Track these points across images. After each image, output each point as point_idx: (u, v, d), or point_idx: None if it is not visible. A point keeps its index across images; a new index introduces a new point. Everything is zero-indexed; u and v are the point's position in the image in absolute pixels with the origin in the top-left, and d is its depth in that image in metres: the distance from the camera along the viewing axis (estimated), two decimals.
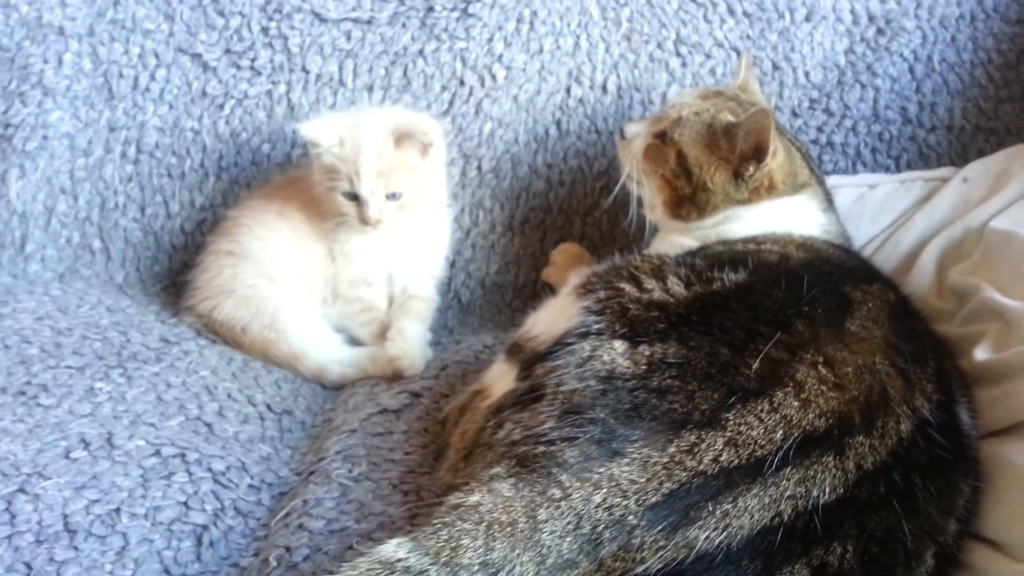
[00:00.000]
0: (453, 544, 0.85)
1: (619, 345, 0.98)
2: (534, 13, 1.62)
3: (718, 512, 0.86)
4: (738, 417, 0.89)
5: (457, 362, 1.44)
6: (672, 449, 0.88)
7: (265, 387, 1.36)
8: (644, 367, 0.94)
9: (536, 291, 1.69)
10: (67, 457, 1.08)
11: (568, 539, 0.87)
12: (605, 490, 0.87)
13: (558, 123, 1.65)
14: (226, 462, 1.14)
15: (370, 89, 1.62)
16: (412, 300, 1.49)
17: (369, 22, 1.62)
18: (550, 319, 1.13)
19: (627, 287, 1.07)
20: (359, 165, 1.36)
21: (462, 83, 1.63)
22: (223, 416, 1.24)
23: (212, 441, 1.17)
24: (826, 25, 1.64)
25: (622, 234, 1.66)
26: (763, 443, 0.88)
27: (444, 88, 1.62)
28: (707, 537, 0.86)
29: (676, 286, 1.06)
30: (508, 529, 0.87)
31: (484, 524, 0.86)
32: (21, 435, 1.10)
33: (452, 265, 1.64)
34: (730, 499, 0.87)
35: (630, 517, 0.86)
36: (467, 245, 1.66)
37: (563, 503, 0.88)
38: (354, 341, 1.51)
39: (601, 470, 0.88)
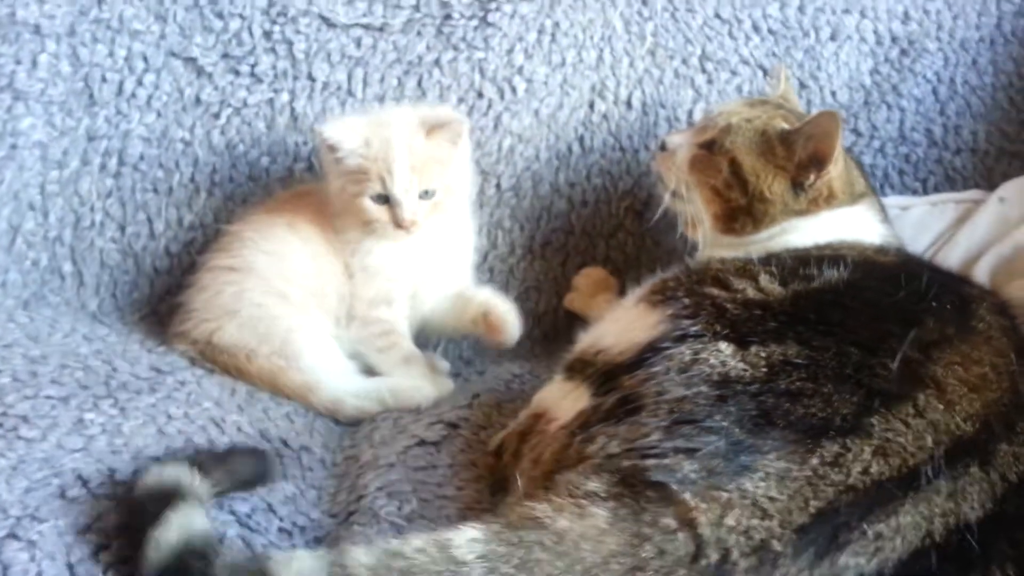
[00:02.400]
0: (524, 574, 0.74)
1: (725, 347, 0.87)
2: (556, 24, 1.54)
3: (870, 533, 0.75)
4: (883, 422, 0.79)
5: (489, 391, 1.30)
6: (814, 460, 0.77)
7: (277, 421, 1.19)
8: (764, 369, 0.83)
9: (557, 320, 1.57)
10: (63, 497, 0.90)
11: (680, 573, 0.74)
12: (739, 510, 0.75)
13: (581, 140, 1.55)
14: (249, 503, 0.97)
15: (381, 99, 1.50)
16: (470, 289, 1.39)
17: (381, 29, 1.51)
18: (621, 330, 1.01)
19: (714, 290, 0.96)
20: (391, 162, 1.24)
21: (480, 95, 1.52)
22: None
23: None
24: (851, 45, 1.61)
25: (648, 258, 1.56)
26: (913, 451, 0.78)
27: (461, 100, 1.52)
28: (858, 564, 0.74)
29: (770, 284, 0.96)
30: (595, 571, 0.74)
31: (567, 559, 0.74)
32: (3, 471, 0.92)
33: None
34: (883, 517, 0.76)
35: (774, 543, 0.74)
36: (484, 269, 1.53)
37: (680, 533, 0.75)
38: (368, 371, 1.35)
39: (731, 487, 0.76)
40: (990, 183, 1.60)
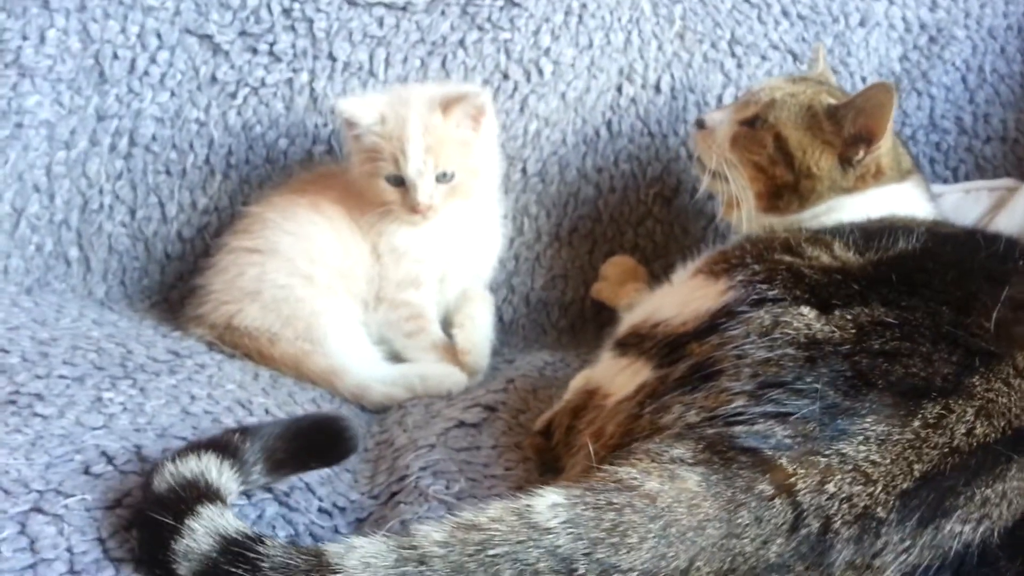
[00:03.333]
0: (616, 538, 0.68)
1: (807, 311, 0.82)
2: (583, 5, 1.50)
3: (977, 498, 0.70)
4: (984, 382, 0.73)
5: (523, 376, 1.24)
6: (916, 423, 0.71)
7: (304, 404, 1.13)
8: (853, 331, 0.78)
9: (584, 309, 1.51)
10: (87, 472, 0.83)
11: (778, 543, 0.68)
12: (839, 476, 0.69)
13: (608, 124, 1.51)
14: (288, 482, 0.90)
15: (404, 80, 1.45)
16: (472, 289, 1.31)
17: (404, 8, 1.46)
18: (681, 301, 0.96)
19: (786, 257, 0.91)
20: (404, 141, 1.18)
21: (506, 77, 1.48)
22: None
23: None
24: (880, 31, 1.58)
25: (676, 246, 1.51)
26: (1018, 412, 0.73)
27: (486, 82, 1.47)
28: (961, 532, 0.69)
29: (845, 252, 0.91)
30: (691, 535, 0.69)
31: (661, 522, 0.69)
32: (21, 447, 0.85)
33: (494, 279, 1.45)
34: (990, 482, 0.70)
35: (878, 509, 0.68)
36: (510, 256, 1.48)
37: (777, 500, 0.70)
38: (393, 357, 1.29)
39: (829, 452, 0.71)
40: (1021, 171, 1.57)
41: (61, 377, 1.02)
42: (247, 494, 0.85)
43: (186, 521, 0.72)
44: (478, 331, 1.24)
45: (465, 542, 0.68)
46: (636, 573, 0.67)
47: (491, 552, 0.67)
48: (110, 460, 0.85)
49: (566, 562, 0.66)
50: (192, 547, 0.71)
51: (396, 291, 1.25)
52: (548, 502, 0.69)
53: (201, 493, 0.75)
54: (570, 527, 0.68)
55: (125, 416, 0.95)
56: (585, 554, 0.67)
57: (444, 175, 1.21)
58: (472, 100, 1.21)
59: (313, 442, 0.87)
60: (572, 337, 1.50)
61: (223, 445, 0.82)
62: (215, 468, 0.78)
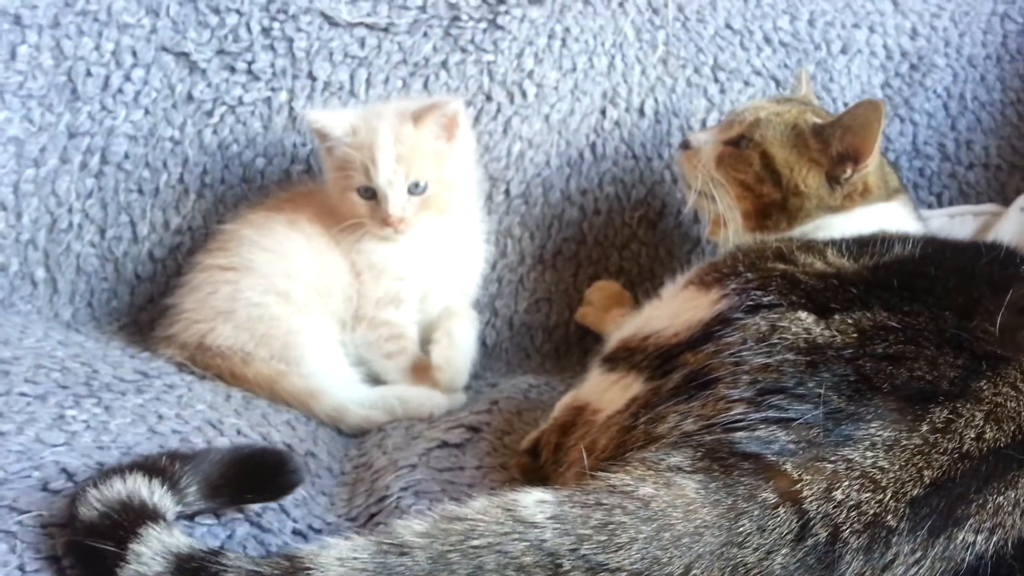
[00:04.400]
0: (604, 536, 0.65)
1: (805, 316, 0.79)
2: (567, 30, 1.50)
3: (989, 506, 0.66)
4: (992, 386, 0.71)
5: (507, 398, 1.20)
6: (924, 428, 0.68)
7: (278, 426, 1.08)
8: (854, 335, 0.75)
9: (568, 333, 1.48)
10: (45, 489, 0.77)
11: (783, 553, 0.65)
12: (847, 483, 0.66)
13: (592, 146, 1.49)
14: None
15: (386, 101, 1.42)
16: (456, 305, 1.26)
17: (386, 29, 1.44)
18: (672, 312, 0.93)
19: (779, 264, 0.89)
20: (375, 150, 1.16)
21: (489, 98, 1.46)
22: None
23: None
24: (861, 59, 1.59)
25: (662, 269, 1.49)
26: None
27: (469, 103, 1.45)
28: (974, 543, 0.66)
29: (839, 259, 0.89)
30: (686, 541, 0.65)
31: (654, 525, 0.66)
32: None
33: (477, 301, 1.41)
34: (1002, 488, 0.67)
35: (888, 518, 0.65)
36: (493, 279, 1.45)
37: (782, 509, 0.66)
38: (372, 379, 1.24)
39: (834, 458, 0.67)
40: (1004, 197, 1.57)
41: (22, 395, 0.97)
42: (216, 514, 0.80)
43: (130, 546, 0.67)
44: (455, 348, 1.20)
45: (448, 532, 0.65)
46: (625, 573, 0.64)
47: (474, 543, 0.64)
48: (70, 477, 0.80)
49: (551, 557, 0.63)
50: (141, 572, 0.66)
51: (376, 310, 1.21)
52: (535, 498, 0.67)
53: (138, 514, 0.69)
54: (556, 523, 0.65)
55: (88, 434, 0.90)
56: (571, 550, 0.64)
57: (416, 186, 1.18)
58: (443, 109, 1.19)
59: (253, 473, 0.82)
60: (556, 361, 1.46)
61: (149, 466, 0.76)
62: (145, 488, 0.73)
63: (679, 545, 0.65)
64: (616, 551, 0.64)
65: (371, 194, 1.18)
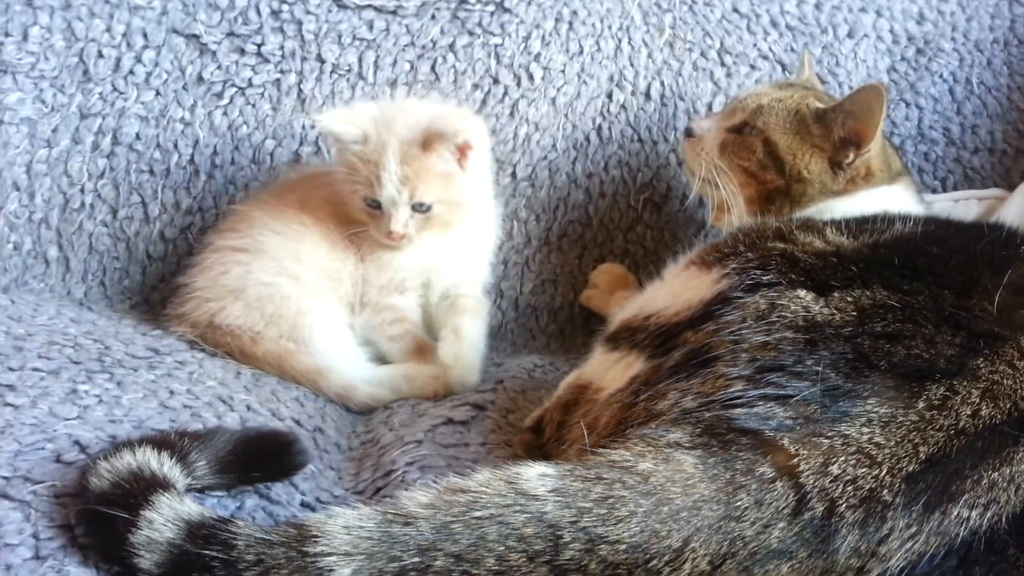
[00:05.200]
0: (604, 510, 0.67)
1: (804, 294, 0.80)
2: (574, 13, 1.50)
3: (984, 482, 0.68)
4: (989, 364, 0.72)
5: (512, 377, 1.22)
6: (920, 404, 0.69)
7: (287, 402, 1.10)
8: (853, 313, 0.76)
9: (573, 315, 1.49)
10: (59, 460, 0.79)
11: (780, 527, 0.66)
12: (843, 458, 0.67)
13: (599, 129, 1.50)
14: None
15: (393, 83, 1.44)
16: (463, 298, 1.26)
17: (394, 12, 1.45)
18: (673, 292, 0.94)
19: (779, 244, 0.90)
20: (380, 168, 1.14)
21: (496, 81, 1.47)
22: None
23: None
24: (868, 43, 1.59)
25: (666, 252, 1.50)
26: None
27: (476, 86, 1.46)
28: (968, 518, 0.67)
29: (838, 237, 0.90)
30: (685, 515, 0.67)
31: (653, 499, 0.67)
32: None
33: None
34: (997, 464, 0.68)
35: (884, 492, 0.66)
36: (499, 261, 1.46)
37: (779, 483, 0.67)
38: (379, 359, 1.26)
39: (831, 434, 0.69)
40: (1009, 182, 1.58)
41: (35, 370, 0.99)
42: (227, 487, 0.82)
43: (142, 513, 0.68)
44: (463, 345, 1.21)
45: (451, 503, 0.67)
46: (624, 546, 0.66)
47: (476, 514, 0.66)
48: (83, 449, 0.81)
49: (552, 528, 0.65)
50: (153, 538, 0.68)
51: (379, 296, 1.23)
52: (537, 472, 0.69)
53: (150, 483, 0.71)
54: (557, 496, 0.67)
55: (101, 408, 0.92)
56: (572, 522, 0.66)
57: (421, 205, 1.18)
58: (451, 138, 1.16)
59: (261, 452, 0.84)
60: (561, 342, 1.47)
61: (159, 441, 0.78)
62: (154, 459, 0.75)
63: (677, 519, 0.67)
64: (616, 524, 0.66)
65: (376, 204, 1.18)
